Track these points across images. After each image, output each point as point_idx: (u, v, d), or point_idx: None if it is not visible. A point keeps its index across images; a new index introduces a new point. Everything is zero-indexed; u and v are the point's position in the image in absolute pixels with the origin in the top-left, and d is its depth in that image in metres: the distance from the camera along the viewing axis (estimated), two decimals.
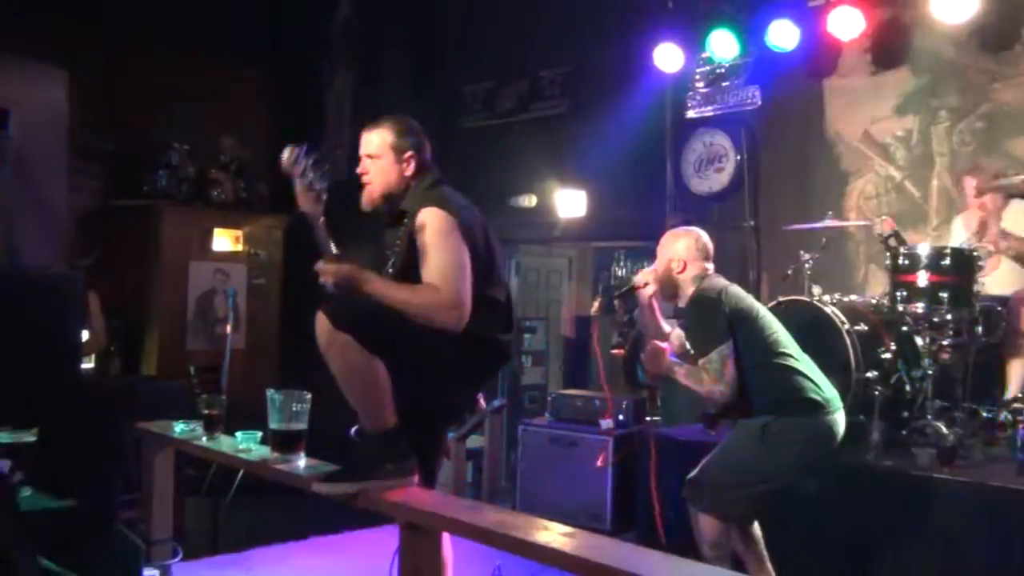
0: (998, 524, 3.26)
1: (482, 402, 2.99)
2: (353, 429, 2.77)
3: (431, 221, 2.59)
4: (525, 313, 7.10)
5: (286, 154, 2.59)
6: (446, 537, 2.80)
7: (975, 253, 3.80)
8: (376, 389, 2.57)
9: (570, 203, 6.54)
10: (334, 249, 2.69)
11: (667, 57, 5.61)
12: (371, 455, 2.64)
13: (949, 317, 3.74)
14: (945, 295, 3.70)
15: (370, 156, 2.81)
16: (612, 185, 6.23)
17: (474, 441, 5.43)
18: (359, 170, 2.85)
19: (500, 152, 6.92)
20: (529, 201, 6.83)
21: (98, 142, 6.18)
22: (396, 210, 2.78)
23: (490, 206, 6.83)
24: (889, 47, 5.17)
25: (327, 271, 2.62)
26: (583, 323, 6.72)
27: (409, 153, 2.79)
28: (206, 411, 3.44)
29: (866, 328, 3.95)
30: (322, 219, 2.72)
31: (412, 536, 2.58)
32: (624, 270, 6.74)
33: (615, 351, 6.33)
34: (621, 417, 4.88)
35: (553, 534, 2.47)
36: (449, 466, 5.10)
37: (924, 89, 5.08)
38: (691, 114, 5.84)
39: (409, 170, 2.80)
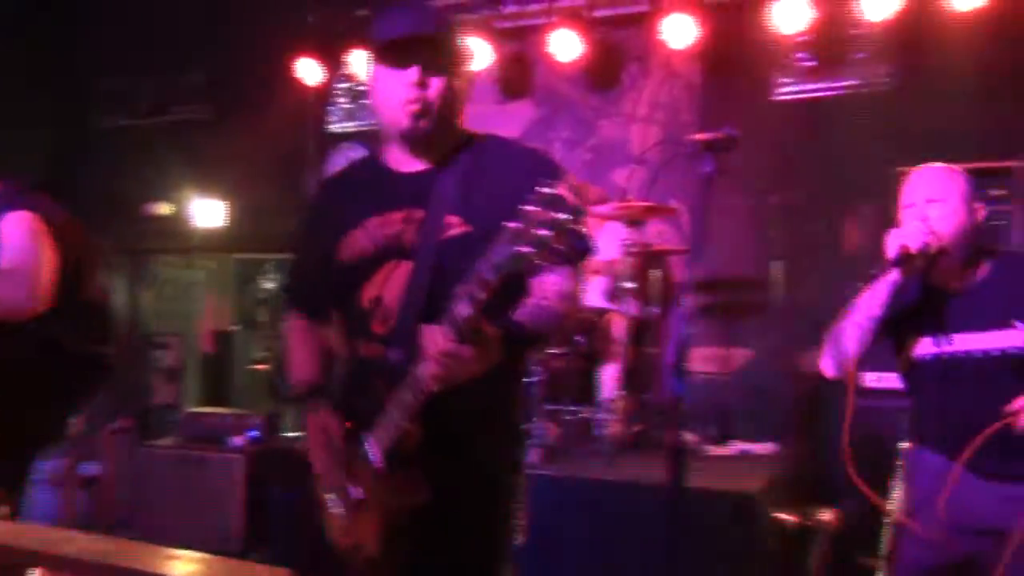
0: (593, 510, 3.65)
1: (79, 424, 2.77)
2: None
3: (11, 222, 2.45)
4: (160, 328, 6.68)
5: None
6: None
7: None
8: None
9: (209, 213, 6.33)
10: None
11: (308, 71, 5.63)
12: None
13: None
14: None
15: None
16: (255, 196, 6.12)
17: (91, 467, 5.01)
18: None
19: (135, 156, 6.50)
20: (165, 209, 6.49)
21: None
22: None
23: (122, 213, 6.45)
24: (514, 79, 5.62)
25: None
26: (223, 338, 6.48)
27: None
28: None
29: None
30: None
31: None
32: (273, 282, 6.60)
33: (258, 365, 6.20)
34: (257, 433, 4.76)
35: (162, 559, 2.36)
36: (57, 497, 4.65)
37: (543, 120, 5.59)
38: (333, 128, 5.90)
39: None
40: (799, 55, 5.03)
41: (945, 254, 2.24)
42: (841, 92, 4.92)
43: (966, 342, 2.24)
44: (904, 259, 2.21)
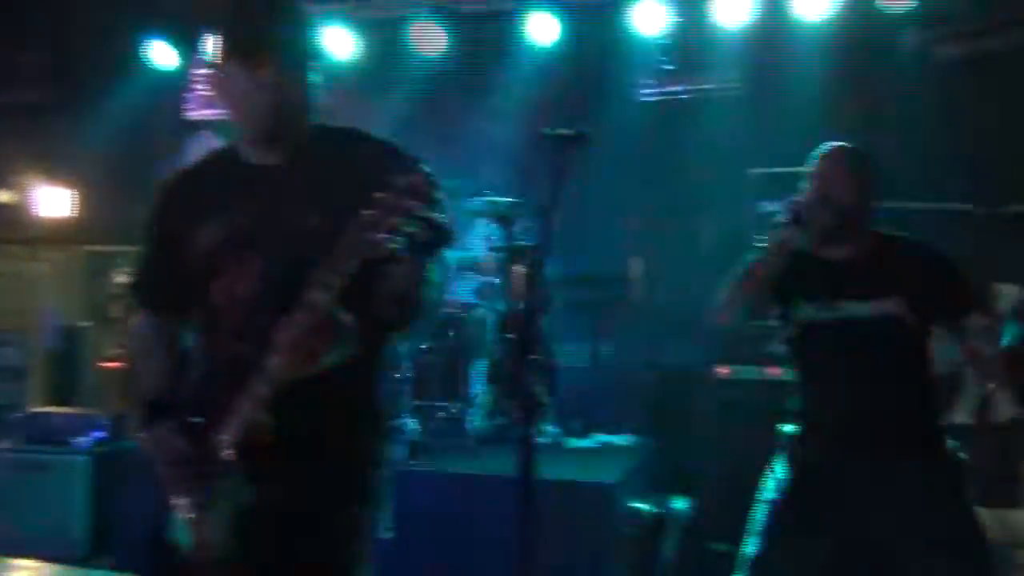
0: (456, 505, 3.65)
1: None
2: None
3: None
4: (0, 324, 6.26)
5: None
6: None
7: None
8: None
9: (55, 202, 5.99)
10: None
11: (162, 55, 5.40)
12: None
13: None
14: None
15: None
16: (106, 185, 5.82)
17: None
18: None
19: None
20: (5, 197, 6.10)
21: None
22: None
23: None
24: (380, 73, 5.54)
25: None
26: (72, 334, 6.13)
27: None
28: None
29: None
30: None
31: None
32: (127, 276, 6.29)
33: (109, 363, 5.89)
34: (103, 434, 4.52)
35: None
36: None
37: (409, 115, 5.52)
38: (191, 115, 5.67)
39: None
40: (659, 58, 5.18)
41: (838, 224, 2.37)
42: (698, 94, 5.11)
43: (852, 308, 2.38)
44: (798, 224, 2.33)
